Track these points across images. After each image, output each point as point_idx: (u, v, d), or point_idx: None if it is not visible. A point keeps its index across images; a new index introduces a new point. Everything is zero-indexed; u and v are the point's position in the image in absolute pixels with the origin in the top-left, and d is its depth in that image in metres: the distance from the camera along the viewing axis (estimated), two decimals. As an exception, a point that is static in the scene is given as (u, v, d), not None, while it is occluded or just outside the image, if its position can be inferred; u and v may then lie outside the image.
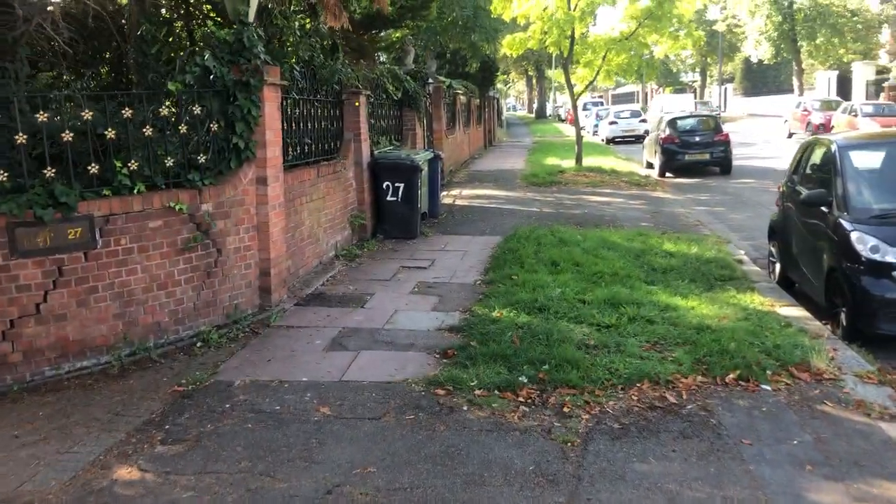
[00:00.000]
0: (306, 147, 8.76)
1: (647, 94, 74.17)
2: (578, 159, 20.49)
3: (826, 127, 29.61)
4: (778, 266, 8.27)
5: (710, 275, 8.07)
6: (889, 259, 6.00)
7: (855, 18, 42.86)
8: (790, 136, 33.19)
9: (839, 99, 34.79)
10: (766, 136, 33.77)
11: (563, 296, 7.09)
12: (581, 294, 7.19)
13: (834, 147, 7.06)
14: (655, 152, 20.90)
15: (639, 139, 32.75)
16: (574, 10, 19.44)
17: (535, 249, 9.29)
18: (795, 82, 46.51)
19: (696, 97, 64.60)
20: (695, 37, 21.63)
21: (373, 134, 11.54)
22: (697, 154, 20.12)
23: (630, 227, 11.52)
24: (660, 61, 24.27)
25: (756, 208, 14.26)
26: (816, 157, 7.69)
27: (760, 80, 61.09)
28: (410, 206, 10.80)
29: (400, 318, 6.82)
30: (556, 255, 8.82)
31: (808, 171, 7.78)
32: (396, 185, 10.75)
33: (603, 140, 35.86)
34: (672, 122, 21.08)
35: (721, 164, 20.18)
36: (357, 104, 10.24)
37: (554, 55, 45.31)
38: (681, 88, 74.57)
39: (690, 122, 21.53)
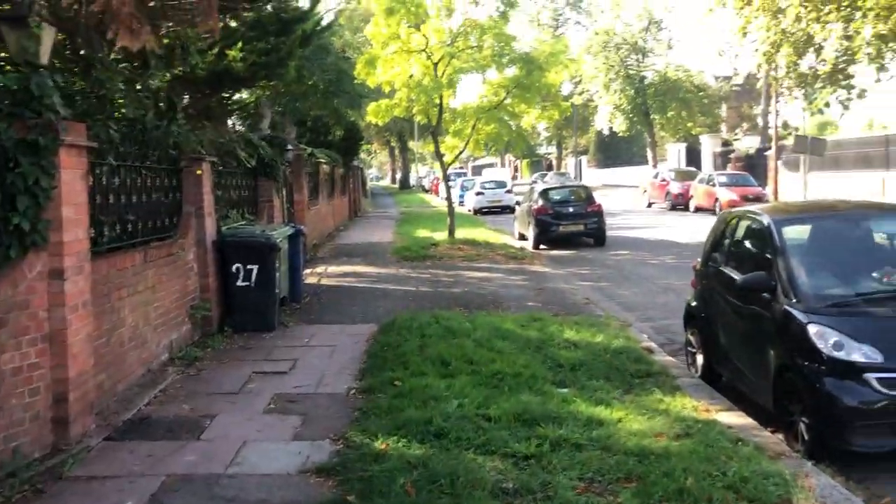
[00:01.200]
0: (129, 225, 6.95)
1: (506, 165, 75.77)
2: (451, 231, 19.37)
3: (685, 196, 30.50)
4: (700, 358, 7.16)
5: (625, 370, 6.91)
6: (856, 358, 4.96)
7: (701, 93, 45.42)
8: (650, 205, 34.02)
9: (694, 169, 36.21)
10: (626, 206, 34.30)
11: (463, 411, 5.61)
12: (484, 407, 5.74)
13: (766, 221, 6.08)
14: (529, 223, 20.17)
15: (504, 210, 32.44)
16: (441, 77, 18.65)
17: (419, 343, 7.80)
18: (649, 154, 48.43)
19: (552, 168, 66.57)
20: (562, 107, 21.44)
21: (221, 207, 9.79)
22: (571, 225, 19.57)
23: (518, 309, 10.33)
24: (527, 131, 23.93)
25: (641, 283, 13.54)
26: (741, 232, 6.73)
27: (613, 152, 63.61)
28: (266, 292, 9.08)
29: (249, 455, 5.09)
30: (445, 351, 7.37)
31: (734, 248, 6.80)
32: (249, 267, 9.02)
33: (470, 210, 35.34)
34: (544, 193, 20.52)
35: (595, 235, 19.71)
36: (199, 172, 8.52)
37: (418, 125, 45.05)
38: (538, 161, 76.83)
39: (563, 192, 21.11)
